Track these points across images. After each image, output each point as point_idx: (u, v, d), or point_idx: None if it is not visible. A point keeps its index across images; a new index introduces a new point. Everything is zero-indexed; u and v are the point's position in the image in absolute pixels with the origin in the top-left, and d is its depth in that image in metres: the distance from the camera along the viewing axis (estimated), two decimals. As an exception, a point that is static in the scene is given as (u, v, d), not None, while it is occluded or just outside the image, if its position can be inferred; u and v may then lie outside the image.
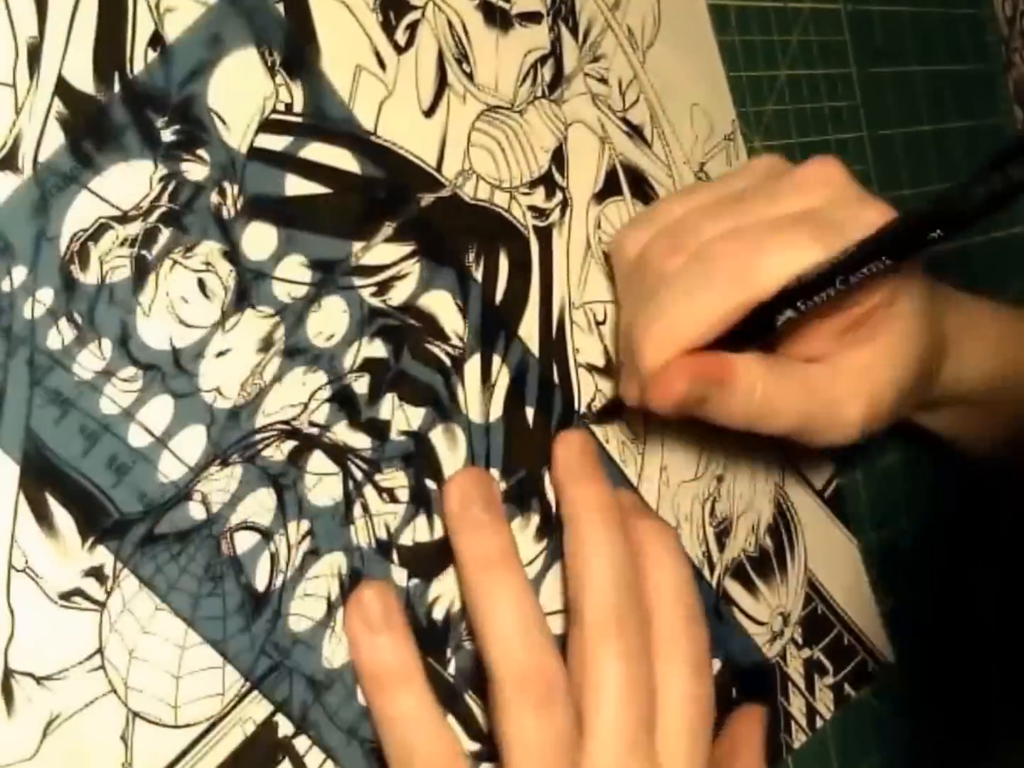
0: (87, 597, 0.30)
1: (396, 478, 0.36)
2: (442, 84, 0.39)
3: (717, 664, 0.44)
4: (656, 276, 0.39)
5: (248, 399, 0.33)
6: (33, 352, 0.29)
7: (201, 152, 0.32)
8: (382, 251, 0.36)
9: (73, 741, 0.29)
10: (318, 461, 0.34)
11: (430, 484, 0.37)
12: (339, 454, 0.35)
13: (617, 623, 0.36)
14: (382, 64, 0.37)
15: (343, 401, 0.35)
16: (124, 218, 0.31)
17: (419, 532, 0.36)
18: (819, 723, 0.48)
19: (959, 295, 0.47)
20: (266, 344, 0.33)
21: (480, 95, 0.40)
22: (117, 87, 0.31)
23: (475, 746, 0.37)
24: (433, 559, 0.37)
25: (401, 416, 0.36)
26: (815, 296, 0.36)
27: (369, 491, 0.35)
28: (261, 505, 0.33)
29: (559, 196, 0.42)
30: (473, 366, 0.38)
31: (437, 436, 0.37)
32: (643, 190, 0.45)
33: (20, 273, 0.29)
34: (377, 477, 0.36)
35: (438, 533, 0.37)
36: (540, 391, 0.40)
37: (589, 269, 0.42)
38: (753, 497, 0.47)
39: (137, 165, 0.31)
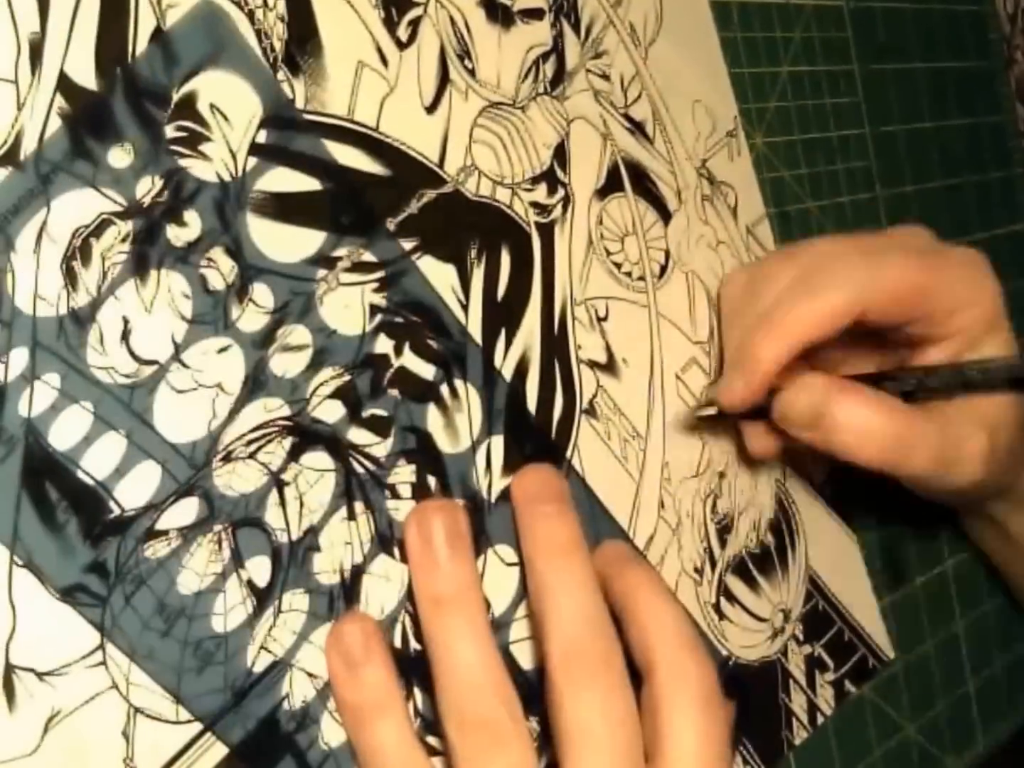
0: (89, 593, 0.30)
1: (398, 474, 0.36)
2: (444, 80, 0.39)
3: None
4: (770, 280, 0.42)
5: (249, 395, 0.33)
6: (35, 348, 0.29)
7: (203, 148, 0.32)
8: (384, 247, 0.36)
9: (74, 737, 0.29)
10: (319, 457, 0.34)
11: (431, 480, 0.37)
12: (341, 450, 0.35)
13: (583, 662, 0.34)
14: (384, 60, 0.37)
15: (345, 397, 0.35)
16: (126, 213, 0.31)
17: (420, 528, 0.36)
18: (820, 719, 0.48)
19: None
20: (267, 340, 0.33)
21: (482, 91, 0.40)
22: (119, 82, 0.31)
23: None
24: (434, 555, 0.37)
25: (403, 412, 0.36)
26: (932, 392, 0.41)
27: (371, 487, 0.35)
28: (262, 501, 0.33)
29: (561, 192, 0.42)
30: (475, 362, 0.38)
31: (439, 432, 0.37)
32: (645, 186, 0.45)
33: (22, 268, 0.29)
34: (379, 473, 0.35)
35: (439, 529, 0.37)
36: (542, 387, 0.40)
37: (591, 265, 0.42)
38: (754, 494, 0.47)
39: (139, 160, 0.31)
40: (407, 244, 0.37)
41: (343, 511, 0.35)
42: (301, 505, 0.34)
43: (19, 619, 0.29)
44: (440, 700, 0.34)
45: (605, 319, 0.43)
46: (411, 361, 0.37)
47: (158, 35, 0.32)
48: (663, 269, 0.45)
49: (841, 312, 0.39)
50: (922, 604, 0.55)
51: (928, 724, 0.54)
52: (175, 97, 0.32)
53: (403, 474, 0.36)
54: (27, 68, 0.29)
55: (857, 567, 0.52)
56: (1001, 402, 0.42)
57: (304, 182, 0.35)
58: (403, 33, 0.37)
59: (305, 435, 0.34)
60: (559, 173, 0.42)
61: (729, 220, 0.48)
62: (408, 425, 0.36)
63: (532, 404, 0.40)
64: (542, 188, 0.41)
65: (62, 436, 0.29)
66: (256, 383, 0.33)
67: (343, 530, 0.35)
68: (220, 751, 0.32)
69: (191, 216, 0.32)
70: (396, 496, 0.36)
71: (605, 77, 0.44)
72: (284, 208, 0.34)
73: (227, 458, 0.32)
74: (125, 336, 0.31)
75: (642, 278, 0.44)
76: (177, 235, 0.32)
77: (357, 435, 0.35)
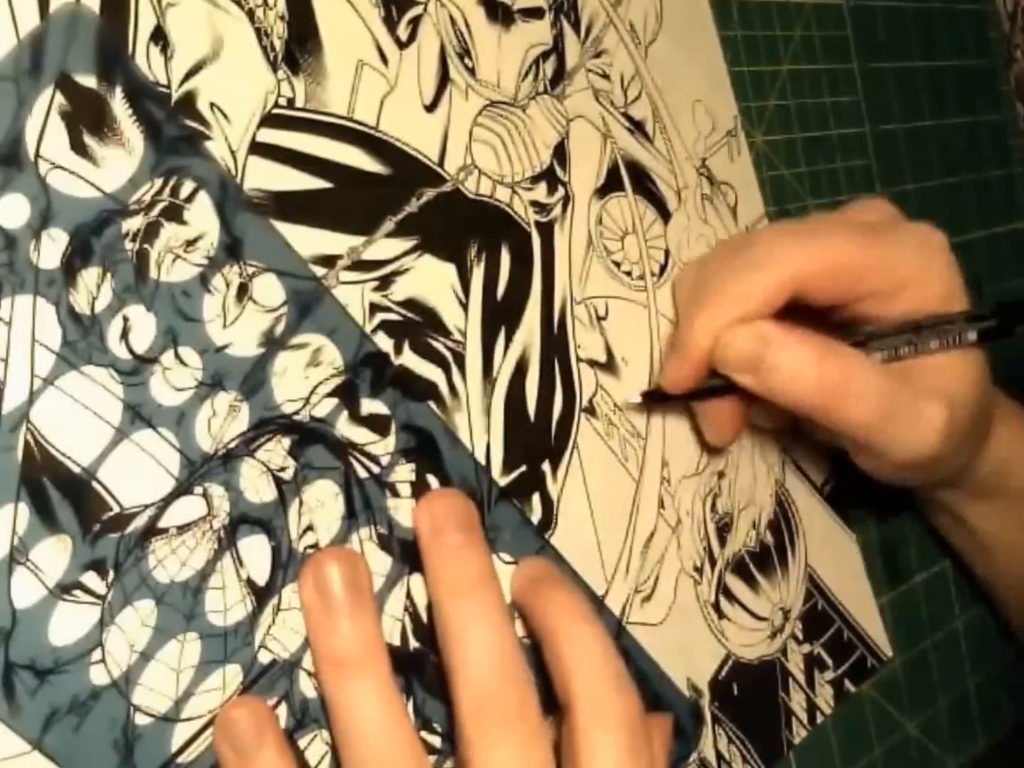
0: (88, 590, 0.30)
1: (397, 473, 0.36)
2: (444, 79, 0.39)
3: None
4: (712, 269, 0.42)
5: (249, 393, 0.33)
6: (34, 346, 0.29)
7: (203, 146, 0.32)
8: (384, 246, 0.36)
9: (73, 734, 0.29)
10: (319, 455, 0.34)
11: (431, 479, 0.37)
12: (340, 449, 0.35)
13: (494, 712, 0.33)
14: (384, 59, 0.37)
15: (345, 396, 0.35)
16: (126, 212, 0.31)
17: (420, 527, 0.36)
18: (820, 718, 0.48)
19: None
20: (267, 339, 0.33)
21: (482, 90, 0.40)
22: (119, 81, 0.31)
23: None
24: (434, 554, 0.37)
25: (402, 411, 0.36)
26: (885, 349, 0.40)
27: (370, 486, 0.35)
28: (262, 499, 0.33)
29: (561, 191, 0.42)
30: (474, 361, 0.38)
31: (438, 431, 0.37)
32: (645, 186, 0.45)
33: (22, 267, 0.29)
34: (378, 472, 0.36)
35: (439, 528, 0.37)
36: (541, 387, 0.40)
37: (591, 264, 0.42)
38: (754, 493, 0.48)
39: (139, 159, 0.31)
40: (407, 243, 0.37)
41: (342, 509, 0.35)
42: (300, 503, 0.34)
43: (18, 616, 0.29)
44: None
45: (605, 318, 0.43)
46: (411, 360, 0.37)
47: (159, 33, 0.32)
48: (663, 268, 0.45)
49: (773, 289, 0.39)
50: (921, 602, 0.55)
51: (928, 722, 0.54)
52: (175, 96, 0.32)
53: (402, 473, 0.36)
54: (27, 66, 0.29)
55: (856, 566, 0.52)
56: (964, 379, 0.41)
57: (304, 181, 0.35)
58: (403, 32, 0.37)
59: (305, 433, 0.34)
60: (559, 172, 0.42)
61: (729, 219, 0.48)
62: (408, 424, 0.36)
63: (532, 403, 0.40)
64: (542, 187, 0.41)
65: (61, 434, 0.29)
66: (256, 381, 0.33)
67: (342, 528, 0.35)
68: (220, 749, 0.32)
69: (191, 215, 0.32)
70: (396, 495, 0.36)
71: (605, 76, 0.44)
72: (284, 207, 0.34)
73: (227, 456, 0.32)
74: (125, 334, 0.31)
75: (642, 277, 0.44)
76: (177, 234, 0.32)
77: (356, 434, 0.35)
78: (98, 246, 0.30)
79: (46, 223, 0.29)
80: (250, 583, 0.33)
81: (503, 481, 0.38)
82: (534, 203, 0.41)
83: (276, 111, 0.34)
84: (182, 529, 0.32)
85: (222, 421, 0.32)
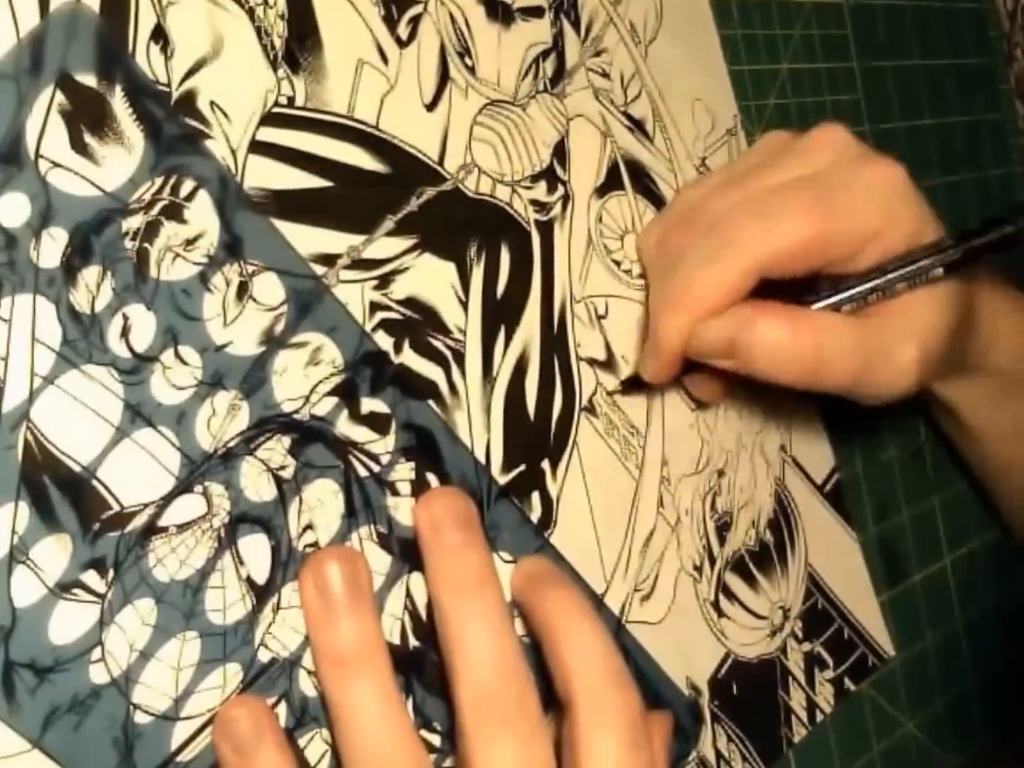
0: (87, 589, 0.30)
1: (397, 471, 0.36)
2: (444, 78, 0.39)
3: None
4: (674, 255, 0.41)
5: (249, 392, 0.33)
6: (34, 344, 0.29)
7: (203, 145, 0.32)
8: (383, 245, 0.36)
9: (73, 733, 0.29)
10: (319, 454, 0.34)
11: (431, 478, 0.37)
12: (340, 447, 0.35)
13: (495, 709, 0.33)
14: (384, 58, 0.37)
15: (344, 394, 0.35)
16: (126, 211, 0.31)
17: (420, 525, 0.36)
18: (819, 717, 0.48)
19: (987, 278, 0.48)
20: (267, 337, 0.33)
21: (482, 89, 0.40)
22: (119, 80, 0.31)
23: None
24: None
25: (402, 409, 0.36)
26: (853, 301, 0.40)
27: (370, 484, 0.35)
28: (262, 498, 0.33)
29: (561, 190, 0.42)
30: (474, 360, 0.38)
31: (438, 430, 0.37)
32: (644, 184, 0.45)
33: (22, 266, 0.29)
34: (378, 470, 0.36)
35: (439, 526, 0.37)
36: (541, 386, 0.40)
37: (590, 263, 0.42)
38: (754, 491, 0.48)
39: (139, 158, 0.31)
40: (407, 242, 0.37)
41: (342, 508, 0.35)
42: (300, 502, 0.34)
43: (18, 615, 0.29)
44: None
45: (605, 317, 0.43)
46: (411, 359, 0.37)
47: (159, 32, 0.32)
48: (663, 267, 0.45)
49: (737, 280, 0.39)
50: (921, 601, 0.55)
51: (927, 721, 0.54)
52: (175, 94, 0.32)
53: (402, 472, 0.36)
54: (27, 64, 0.29)
55: (856, 564, 0.52)
56: (933, 313, 0.41)
57: (304, 179, 0.35)
58: (403, 31, 0.37)
59: (304, 432, 0.34)
60: (559, 171, 0.42)
61: (729, 218, 0.48)
62: (407, 423, 0.36)
63: (531, 402, 0.40)
64: (542, 186, 0.41)
65: (62, 433, 0.30)
66: (256, 380, 0.33)
67: (342, 527, 0.35)
68: (219, 748, 0.32)
69: (191, 213, 0.32)
70: (395, 493, 0.36)
71: (605, 75, 0.44)
72: (284, 205, 0.34)
73: (227, 455, 0.32)
74: (125, 333, 0.31)
75: (642, 276, 0.44)
76: (177, 232, 0.32)
77: (356, 432, 0.35)
78: (98, 245, 0.30)
79: (46, 222, 0.29)
80: (250, 582, 0.33)
81: (503, 480, 0.39)
82: (534, 202, 0.41)
83: (276, 110, 0.34)
84: (182, 528, 0.32)
85: (222, 420, 0.32)
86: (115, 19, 0.31)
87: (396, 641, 0.36)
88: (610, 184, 0.44)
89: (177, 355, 0.32)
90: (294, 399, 0.34)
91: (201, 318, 0.32)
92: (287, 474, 0.34)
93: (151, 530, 0.31)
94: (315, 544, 0.34)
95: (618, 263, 0.44)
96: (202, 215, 0.32)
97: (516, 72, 0.41)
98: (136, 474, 0.31)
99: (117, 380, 0.31)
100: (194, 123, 0.32)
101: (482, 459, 0.38)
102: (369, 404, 0.36)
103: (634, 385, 0.43)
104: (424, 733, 0.36)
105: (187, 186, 0.32)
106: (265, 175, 0.34)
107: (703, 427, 0.46)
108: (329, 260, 0.35)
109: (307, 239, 0.34)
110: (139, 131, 0.31)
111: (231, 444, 0.33)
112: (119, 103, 0.31)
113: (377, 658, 0.33)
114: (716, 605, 0.45)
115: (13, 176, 0.29)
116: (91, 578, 0.30)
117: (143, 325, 0.31)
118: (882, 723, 0.52)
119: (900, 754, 0.52)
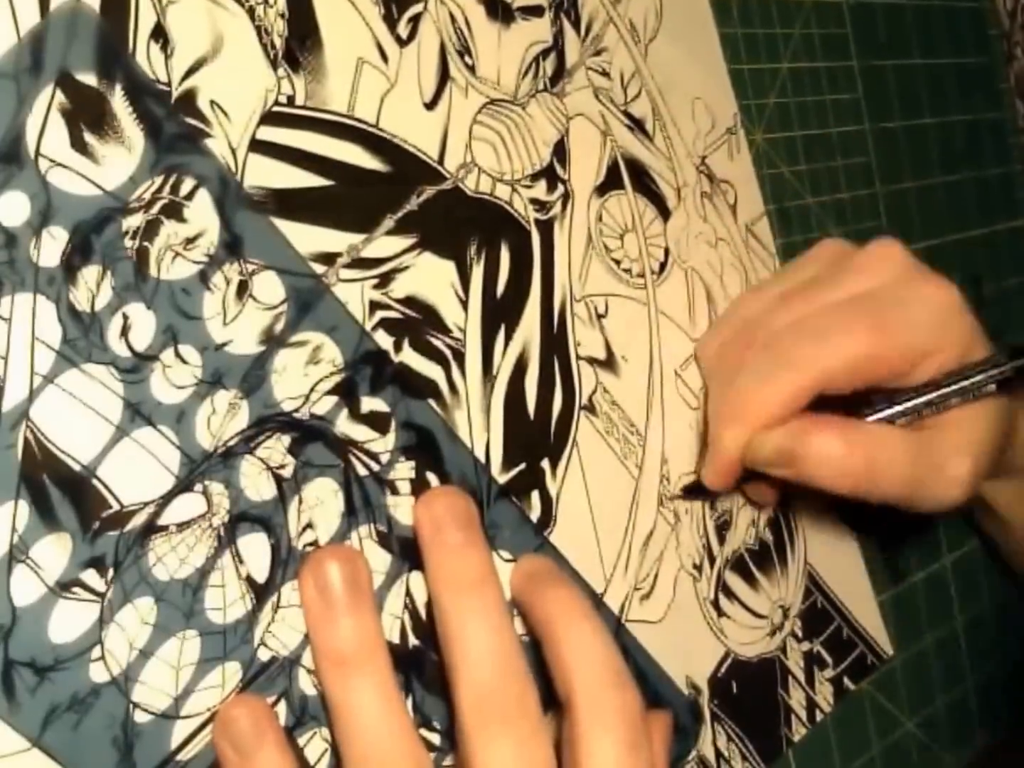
0: (87, 588, 0.30)
1: (397, 470, 0.36)
2: (444, 77, 0.39)
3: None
4: (733, 368, 0.43)
5: (249, 391, 0.33)
6: (34, 343, 0.29)
7: (203, 144, 0.32)
8: (383, 244, 0.36)
9: (73, 732, 0.29)
10: (319, 453, 0.34)
11: (431, 477, 0.37)
12: (340, 446, 0.35)
13: (495, 708, 0.33)
14: (384, 57, 0.37)
15: (344, 393, 0.35)
16: (126, 210, 0.31)
17: (420, 524, 0.36)
18: (819, 716, 0.48)
19: None
20: (267, 336, 0.33)
21: (482, 88, 0.40)
22: (119, 79, 0.31)
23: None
24: (434, 551, 0.37)
25: (402, 408, 0.36)
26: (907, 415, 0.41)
27: (370, 483, 0.35)
28: (261, 497, 0.33)
29: (560, 189, 0.42)
30: (474, 359, 0.38)
31: (438, 428, 0.37)
32: (644, 183, 0.45)
33: (22, 265, 0.29)
34: (378, 469, 0.36)
35: (439, 525, 0.37)
36: (541, 385, 0.40)
37: (590, 262, 0.42)
38: (753, 490, 0.48)
39: (139, 157, 0.31)
40: (407, 240, 0.37)
41: (342, 507, 0.35)
42: (300, 501, 0.34)
43: (18, 614, 0.29)
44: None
45: (604, 316, 0.43)
46: (411, 357, 0.37)
47: (159, 31, 0.32)
48: (662, 266, 0.45)
49: (793, 398, 0.40)
50: (921, 600, 0.55)
51: (927, 720, 0.54)
52: (175, 93, 0.32)
53: (402, 470, 0.36)
54: (27, 63, 0.29)
55: (856, 563, 0.52)
56: (985, 427, 0.42)
57: (304, 178, 0.35)
58: (403, 30, 0.37)
59: (304, 431, 0.34)
60: (559, 170, 0.42)
61: (728, 217, 0.48)
62: (407, 422, 0.36)
63: (531, 401, 0.40)
64: (542, 185, 0.41)
65: (61, 432, 0.30)
66: (256, 379, 0.33)
67: (342, 526, 0.35)
68: (219, 746, 0.32)
69: (191, 212, 0.32)
70: (395, 492, 0.36)
71: (605, 74, 0.44)
72: (284, 204, 0.34)
73: (226, 454, 0.32)
74: (125, 332, 0.31)
75: (641, 275, 0.44)
76: (177, 231, 0.32)
77: (356, 431, 0.35)
78: (98, 244, 0.30)
79: (46, 221, 0.29)
80: (249, 581, 0.33)
81: (502, 479, 0.39)
82: (534, 201, 0.41)
83: (276, 109, 0.34)
84: (182, 527, 0.32)
85: (222, 419, 0.32)
86: (115, 18, 0.31)
87: (396, 640, 0.36)
88: (610, 183, 0.44)
89: (177, 354, 0.32)
90: (294, 398, 0.34)
91: (201, 317, 0.32)
92: (287, 473, 0.34)
93: (151, 529, 0.31)
94: (315, 543, 0.34)
95: (618, 262, 0.44)
96: (202, 214, 0.32)
97: (516, 71, 0.41)
98: (136, 473, 0.31)
99: (117, 379, 0.31)
100: (194, 122, 0.32)
101: (482, 458, 0.38)
102: (369, 403, 0.36)
103: (696, 492, 0.44)
104: (424, 732, 0.36)
105: (187, 185, 0.32)
106: (265, 174, 0.34)
107: (703, 427, 0.46)
108: (329, 259, 0.35)
109: (307, 238, 0.34)
110: (139, 130, 0.31)
111: (231, 443, 0.33)
112: (119, 102, 0.31)
113: (377, 657, 0.33)
114: (716, 604, 0.45)
115: (13, 175, 0.29)
116: (91, 577, 0.30)
117: (143, 324, 0.31)
118: (882, 722, 0.52)
119: (900, 754, 0.52)
